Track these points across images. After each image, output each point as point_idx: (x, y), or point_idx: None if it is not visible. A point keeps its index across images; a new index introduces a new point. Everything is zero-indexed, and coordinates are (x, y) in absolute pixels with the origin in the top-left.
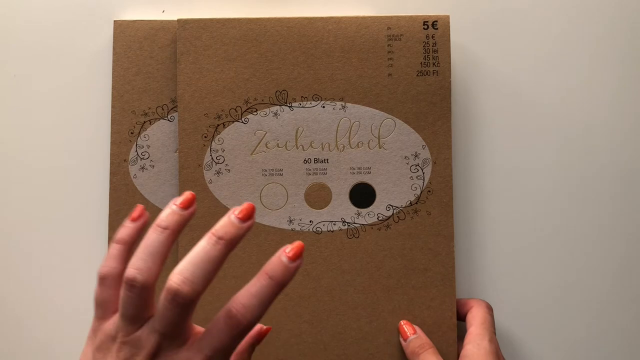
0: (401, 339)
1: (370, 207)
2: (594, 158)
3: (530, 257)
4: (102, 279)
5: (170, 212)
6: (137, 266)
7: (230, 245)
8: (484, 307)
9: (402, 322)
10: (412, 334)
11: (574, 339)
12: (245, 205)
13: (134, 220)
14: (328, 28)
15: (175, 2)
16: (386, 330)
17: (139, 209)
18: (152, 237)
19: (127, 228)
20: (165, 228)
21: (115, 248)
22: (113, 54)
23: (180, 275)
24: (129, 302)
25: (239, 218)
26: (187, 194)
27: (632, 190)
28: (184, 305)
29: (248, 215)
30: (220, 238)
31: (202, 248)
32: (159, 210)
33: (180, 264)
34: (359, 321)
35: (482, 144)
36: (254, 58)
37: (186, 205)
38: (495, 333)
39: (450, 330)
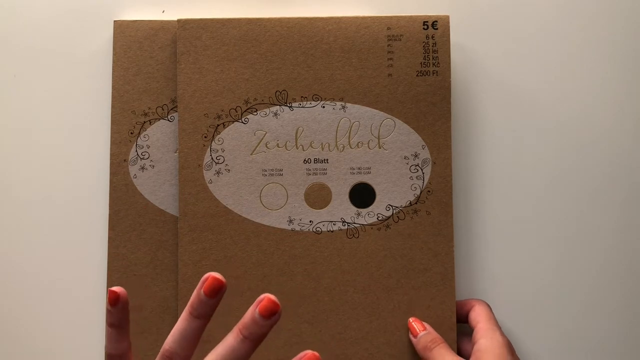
0: (411, 336)
1: (370, 207)
2: (594, 158)
3: (530, 257)
4: (110, 358)
5: (199, 302)
6: (175, 350)
7: (256, 342)
8: (486, 305)
9: (411, 320)
10: (422, 331)
11: (573, 339)
12: (265, 300)
13: (114, 305)
14: (328, 28)
15: (175, 2)
16: (386, 330)
17: (112, 294)
18: (186, 325)
19: (112, 314)
20: (197, 317)
21: (111, 332)
22: (113, 54)
23: None
24: None
25: (262, 316)
26: (213, 280)
27: (632, 190)
28: None
29: (271, 312)
30: (245, 337)
31: (230, 345)
32: (159, 210)
33: (211, 355)
34: (359, 321)
35: (481, 144)
36: (254, 58)
37: (214, 294)
38: None
39: (450, 330)
